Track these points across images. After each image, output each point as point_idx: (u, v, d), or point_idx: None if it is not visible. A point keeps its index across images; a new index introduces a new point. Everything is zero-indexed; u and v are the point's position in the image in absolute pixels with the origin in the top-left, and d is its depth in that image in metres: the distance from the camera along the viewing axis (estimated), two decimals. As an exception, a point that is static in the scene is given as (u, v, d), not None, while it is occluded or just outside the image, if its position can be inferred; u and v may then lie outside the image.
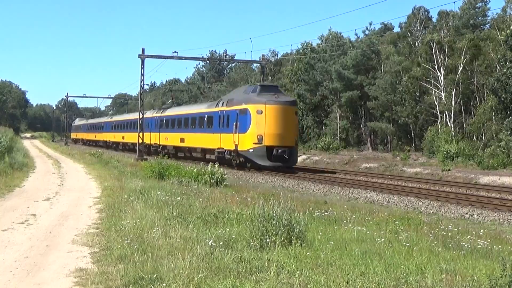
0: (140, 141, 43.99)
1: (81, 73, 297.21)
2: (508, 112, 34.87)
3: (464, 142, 36.68)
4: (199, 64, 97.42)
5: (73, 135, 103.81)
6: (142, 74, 43.70)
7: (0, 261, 7.89)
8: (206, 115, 36.75)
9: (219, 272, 6.70)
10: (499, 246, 9.29)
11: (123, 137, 60.12)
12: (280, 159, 28.95)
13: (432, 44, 43.09)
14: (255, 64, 69.36)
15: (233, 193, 16.59)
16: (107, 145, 68.56)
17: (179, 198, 13.75)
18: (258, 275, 6.60)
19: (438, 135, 38.59)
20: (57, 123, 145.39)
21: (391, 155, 42.51)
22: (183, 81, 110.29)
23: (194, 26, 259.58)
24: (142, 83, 44.97)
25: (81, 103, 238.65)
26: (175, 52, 43.53)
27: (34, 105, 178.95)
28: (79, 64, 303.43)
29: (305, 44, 61.82)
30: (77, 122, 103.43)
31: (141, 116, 45.30)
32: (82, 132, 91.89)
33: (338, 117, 55.22)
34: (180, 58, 45.01)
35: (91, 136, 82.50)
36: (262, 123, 29.10)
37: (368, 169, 35.48)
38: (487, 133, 38.67)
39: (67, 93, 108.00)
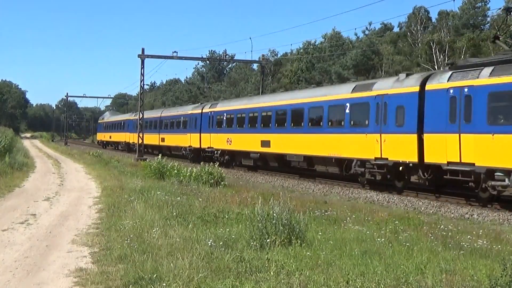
0: (140, 141, 43.98)
1: (81, 73, 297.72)
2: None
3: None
4: (199, 64, 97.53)
5: (102, 137, 75.32)
6: (142, 74, 43.71)
7: (0, 261, 7.89)
8: None
9: (219, 272, 6.70)
10: (499, 246, 9.29)
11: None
12: None
13: (432, 44, 43.10)
14: (255, 64, 69.36)
15: (233, 193, 16.58)
16: (209, 156, 34.23)
17: (179, 198, 13.76)
18: (258, 275, 6.60)
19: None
20: (57, 123, 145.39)
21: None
22: (183, 81, 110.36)
23: (194, 26, 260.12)
24: (142, 83, 44.96)
25: (81, 103, 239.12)
26: (175, 52, 43.61)
27: (34, 105, 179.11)
28: (79, 64, 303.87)
29: (307, 44, 61.80)
30: (110, 117, 73.66)
31: (141, 116, 45.27)
32: (123, 132, 59.51)
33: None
34: (180, 58, 45.00)
35: (151, 138, 48.17)
36: None
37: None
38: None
39: (67, 93, 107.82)
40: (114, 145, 67.91)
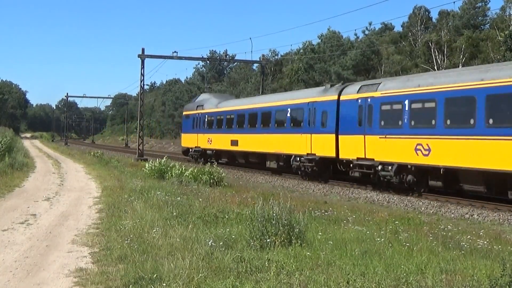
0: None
1: (81, 73, 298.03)
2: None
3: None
4: (199, 64, 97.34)
5: (202, 141, 37.32)
6: (142, 74, 43.70)
7: (0, 261, 7.89)
8: None
9: (219, 272, 6.70)
10: (499, 246, 9.29)
11: None
12: None
13: (430, 44, 43.07)
14: (255, 64, 69.36)
15: (233, 193, 16.58)
16: None
17: (179, 198, 13.76)
18: (258, 275, 6.59)
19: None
20: (57, 123, 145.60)
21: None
22: (183, 81, 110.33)
23: (194, 26, 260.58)
24: (142, 83, 44.95)
25: (81, 103, 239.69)
26: (175, 52, 43.57)
27: (34, 105, 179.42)
28: (79, 64, 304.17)
29: (306, 44, 61.77)
30: (222, 101, 37.36)
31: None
32: (297, 132, 25.79)
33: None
34: (180, 58, 44.98)
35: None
36: None
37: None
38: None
39: (67, 93, 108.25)
40: (243, 159, 32.87)
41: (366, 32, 58.11)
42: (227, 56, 67.38)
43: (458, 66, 41.10)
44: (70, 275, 7.12)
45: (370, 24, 72.77)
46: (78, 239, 9.50)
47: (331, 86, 25.09)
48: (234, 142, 32.48)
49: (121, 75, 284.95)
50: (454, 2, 41.47)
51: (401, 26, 55.86)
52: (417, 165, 18.46)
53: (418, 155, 18.15)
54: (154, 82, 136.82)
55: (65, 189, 18.18)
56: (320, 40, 61.05)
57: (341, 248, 8.31)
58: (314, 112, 24.67)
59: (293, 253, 7.73)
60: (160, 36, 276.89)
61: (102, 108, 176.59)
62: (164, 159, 23.32)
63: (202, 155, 37.36)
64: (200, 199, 13.82)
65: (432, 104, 17.87)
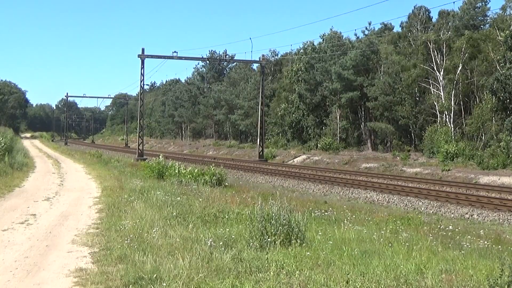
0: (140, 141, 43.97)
1: (81, 73, 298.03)
2: (508, 112, 34.89)
3: (464, 142, 36.67)
4: (199, 64, 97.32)
5: None
6: (142, 74, 43.72)
7: (0, 261, 7.89)
8: None
9: (218, 272, 6.70)
10: (499, 246, 9.29)
11: None
12: None
13: (429, 43, 43.00)
14: (255, 64, 69.36)
15: (233, 193, 16.58)
16: None
17: (179, 198, 13.75)
18: (258, 275, 6.59)
19: (437, 133, 38.59)
20: (57, 123, 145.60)
21: (391, 155, 42.51)
22: (183, 81, 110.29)
23: (194, 26, 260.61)
24: (142, 83, 44.98)
25: (81, 103, 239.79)
26: (175, 52, 43.61)
27: (34, 105, 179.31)
28: (79, 64, 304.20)
29: (307, 44, 61.74)
30: None
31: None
32: None
33: (338, 117, 55.24)
34: (180, 58, 44.99)
35: None
36: None
37: (368, 169, 35.49)
38: (487, 133, 38.64)
39: (67, 93, 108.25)
40: None
41: (366, 32, 58.05)
42: (227, 56, 67.34)
43: (458, 67, 41.09)
44: (70, 275, 7.12)
45: (369, 24, 72.73)
46: (78, 239, 9.50)
47: None
48: None
49: (121, 75, 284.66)
50: (454, 2, 41.38)
51: (400, 26, 55.80)
52: None
53: None
54: (154, 82, 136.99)
55: (65, 189, 18.18)
56: (322, 40, 61.01)
57: (341, 248, 8.31)
58: None
59: (293, 253, 7.72)
60: (160, 36, 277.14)
61: (102, 108, 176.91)
62: (160, 157, 23.25)
63: None
64: (200, 199, 13.82)
65: None
